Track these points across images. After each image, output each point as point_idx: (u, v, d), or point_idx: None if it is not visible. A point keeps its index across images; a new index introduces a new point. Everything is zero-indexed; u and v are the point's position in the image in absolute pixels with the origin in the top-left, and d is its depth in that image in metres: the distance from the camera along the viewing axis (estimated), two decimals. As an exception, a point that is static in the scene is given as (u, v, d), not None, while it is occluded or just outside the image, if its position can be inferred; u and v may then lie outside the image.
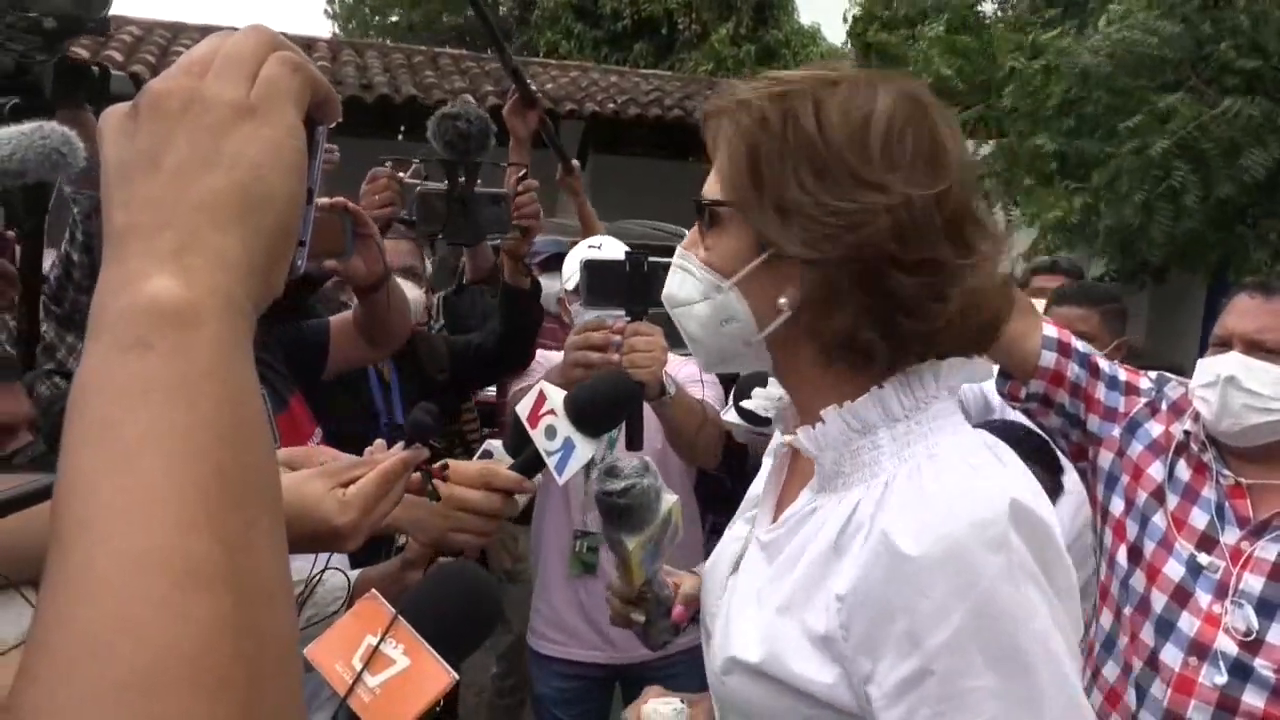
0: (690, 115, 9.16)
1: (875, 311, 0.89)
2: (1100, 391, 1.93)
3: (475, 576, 1.07)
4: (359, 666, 0.90)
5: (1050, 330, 1.85)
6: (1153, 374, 2.04)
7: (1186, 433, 1.89)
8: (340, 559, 1.29)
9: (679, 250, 1.03)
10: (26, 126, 1.08)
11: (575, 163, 3.06)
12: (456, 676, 0.92)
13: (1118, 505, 1.94)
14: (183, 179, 0.48)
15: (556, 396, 1.24)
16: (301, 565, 1.21)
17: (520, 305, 2.53)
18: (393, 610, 0.94)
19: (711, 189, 0.98)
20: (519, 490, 1.25)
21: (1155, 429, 1.92)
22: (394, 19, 18.06)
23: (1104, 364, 1.96)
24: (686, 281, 1.00)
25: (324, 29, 21.30)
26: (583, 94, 9.45)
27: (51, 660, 0.38)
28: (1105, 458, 1.95)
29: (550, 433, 1.22)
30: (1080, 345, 1.92)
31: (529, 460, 1.24)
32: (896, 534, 0.84)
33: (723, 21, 14.29)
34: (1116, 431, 1.94)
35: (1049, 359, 1.85)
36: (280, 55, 0.53)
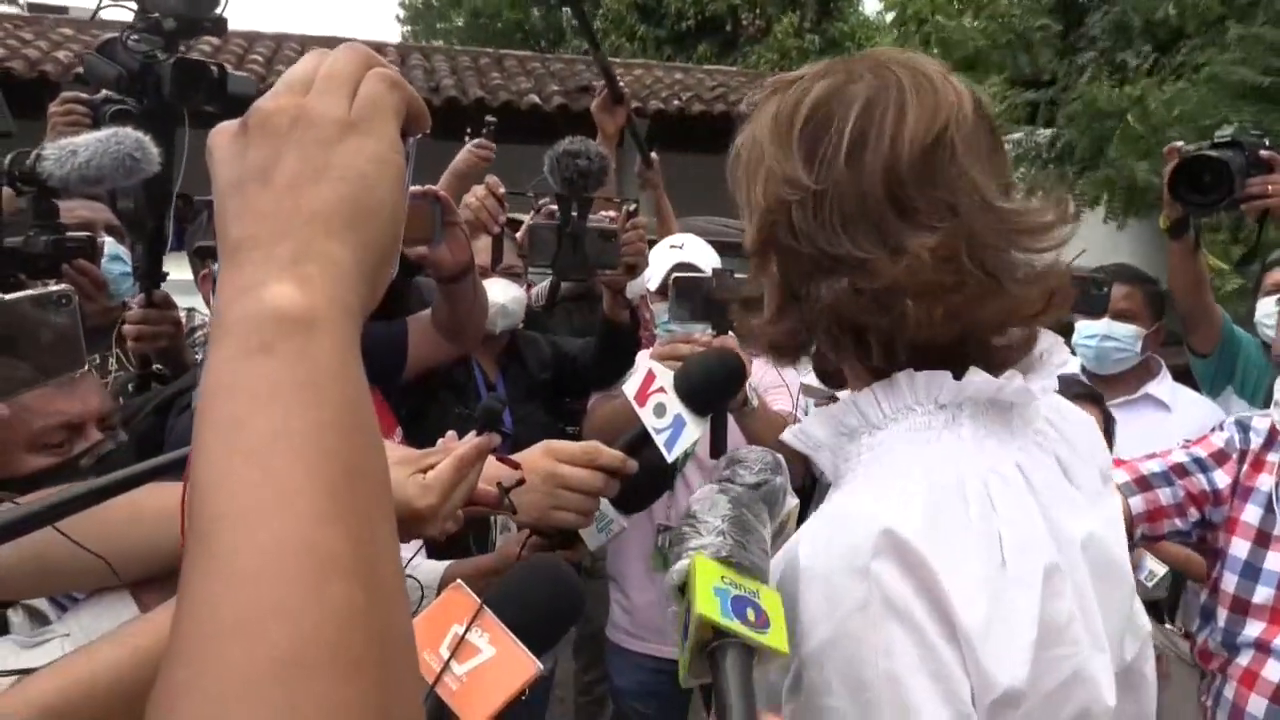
0: (755, 110, 9.11)
1: (799, 310, 0.91)
2: (1200, 484, 1.86)
3: (559, 570, 1.08)
4: (446, 655, 0.92)
5: (1119, 474, 1.79)
6: (1227, 423, 1.96)
7: None
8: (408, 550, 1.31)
9: None
10: (102, 133, 1.11)
11: (654, 157, 3.13)
12: (541, 667, 0.93)
13: (1230, 579, 1.86)
14: (295, 192, 0.50)
15: (666, 374, 1.24)
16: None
17: (617, 337, 2.53)
18: (478, 600, 0.95)
19: None
20: (622, 469, 1.25)
21: (1265, 481, 1.83)
22: (459, 22, 18.24)
23: (1182, 457, 1.89)
24: None
25: (395, 33, 21.62)
26: (647, 91, 9.47)
27: (202, 641, 0.39)
28: (1223, 539, 1.88)
29: (660, 410, 1.22)
30: (1152, 465, 1.87)
31: (633, 439, 1.25)
32: (800, 542, 0.85)
33: (786, 15, 14.18)
34: (1226, 509, 1.86)
35: (1137, 503, 1.80)
36: (377, 72, 0.55)
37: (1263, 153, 2.46)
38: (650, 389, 1.24)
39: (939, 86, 0.88)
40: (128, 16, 1.91)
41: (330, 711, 0.38)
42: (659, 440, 1.22)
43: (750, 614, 0.77)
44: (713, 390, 1.26)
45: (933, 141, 0.85)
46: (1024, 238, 0.88)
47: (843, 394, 0.97)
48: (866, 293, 0.85)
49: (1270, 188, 2.41)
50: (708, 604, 0.76)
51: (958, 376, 0.87)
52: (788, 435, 0.97)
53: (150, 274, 2.15)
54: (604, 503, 1.28)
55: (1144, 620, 1.01)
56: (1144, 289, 2.83)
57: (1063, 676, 0.83)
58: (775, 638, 0.77)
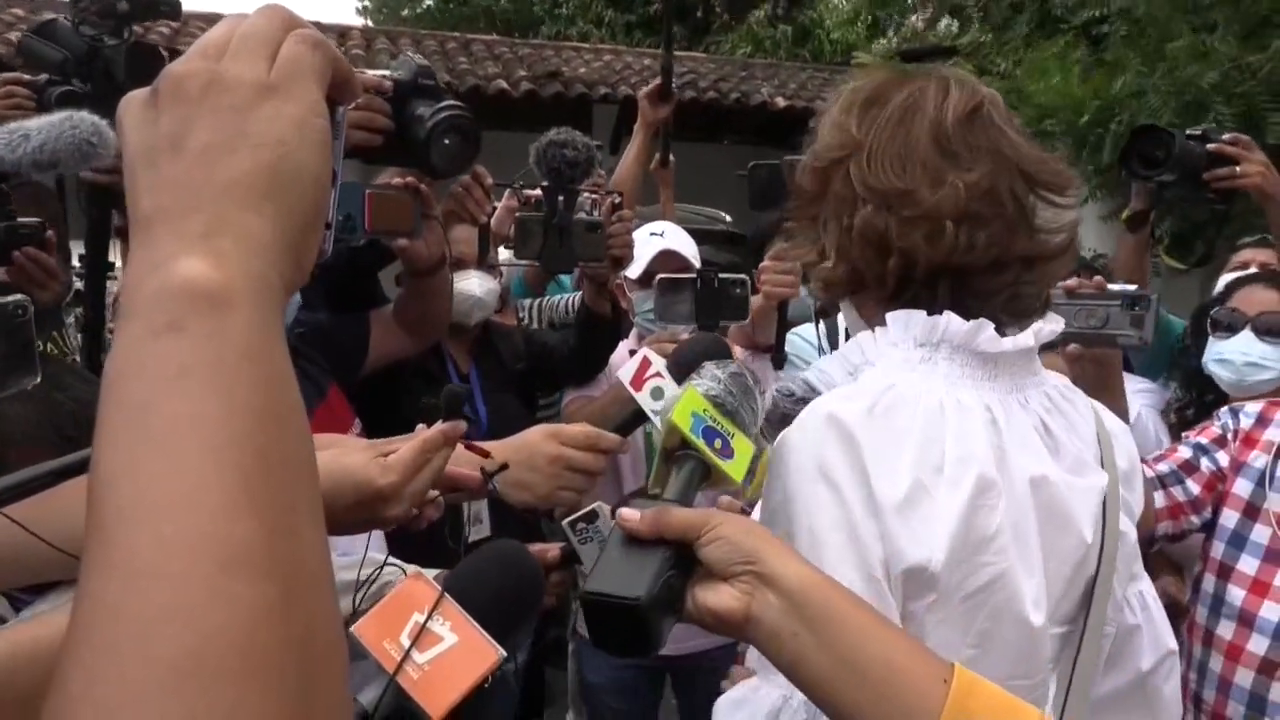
0: (724, 98, 9.10)
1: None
2: (1210, 466, 1.96)
3: (520, 555, 1.08)
4: (407, 644, 0.91)
5: (1145, 470, 1.86)
6: (1222, 411, 2.07)
7: None
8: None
9: None
10: (56, 116, 1.08)
11: (671, 158, 3.27)
12: (504, 653, 0.92)
13: (1218, 546, 1.95)
14: (208, 161, 0.47)
15: (660, 360, 1.34)
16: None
17: (597, 330, 2.52)
18: (439, 588, 0.95)
19: None
20: (621, 451, 1.36)
21: (1258, 458, 1.93)
22: (427, 2, 18.04)
23: (1187, 452, 2.00)
24: None
25: (354, 21, 21.31)
26: (617, 77, 9.42)
27: (97, 646, 0.37)
28: (1220, 511, 1.97)
29: (657, 393, 1.31)
30: (1162, 466, 1.96)
31: (629, 420, 1.34)
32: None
33: (761, 1, 14.17)
34: (1227, 484, 1.97)
35: (1159, 499, 1.88)
36: (299, 33, 0.52)
37: (1210, 145, 2.52)
38: (646, 374, 1.31)
39: (978, 84, 1.09)
40: None
41: None
42: (657, 422, 1.29)
43: (717, 443, 0.91)
44: None
45: (973, 109, 1.04)
46: (1048, 188, 1.04)
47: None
48: (903, 217, 1.01)
49: (1238, 168, 2.46)
50: (683, 419, 0.91)
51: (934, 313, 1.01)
52: (811, 375, 1.10)
53: (95, 264, 2.10)
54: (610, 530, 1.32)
55: (1170, 639, 1.11)
56: (1093, 279, 2.90)
57: (983, 580, 0.93)
58: (733, 468, 0.92)
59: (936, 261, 1.00)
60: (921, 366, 1.00)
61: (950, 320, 0.99)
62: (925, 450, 0.94)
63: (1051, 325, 1.06)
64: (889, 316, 1.03)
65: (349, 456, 1.05)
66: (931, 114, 1.04)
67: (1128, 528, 1.07)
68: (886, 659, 0.76)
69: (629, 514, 0.83)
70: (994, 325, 1.00)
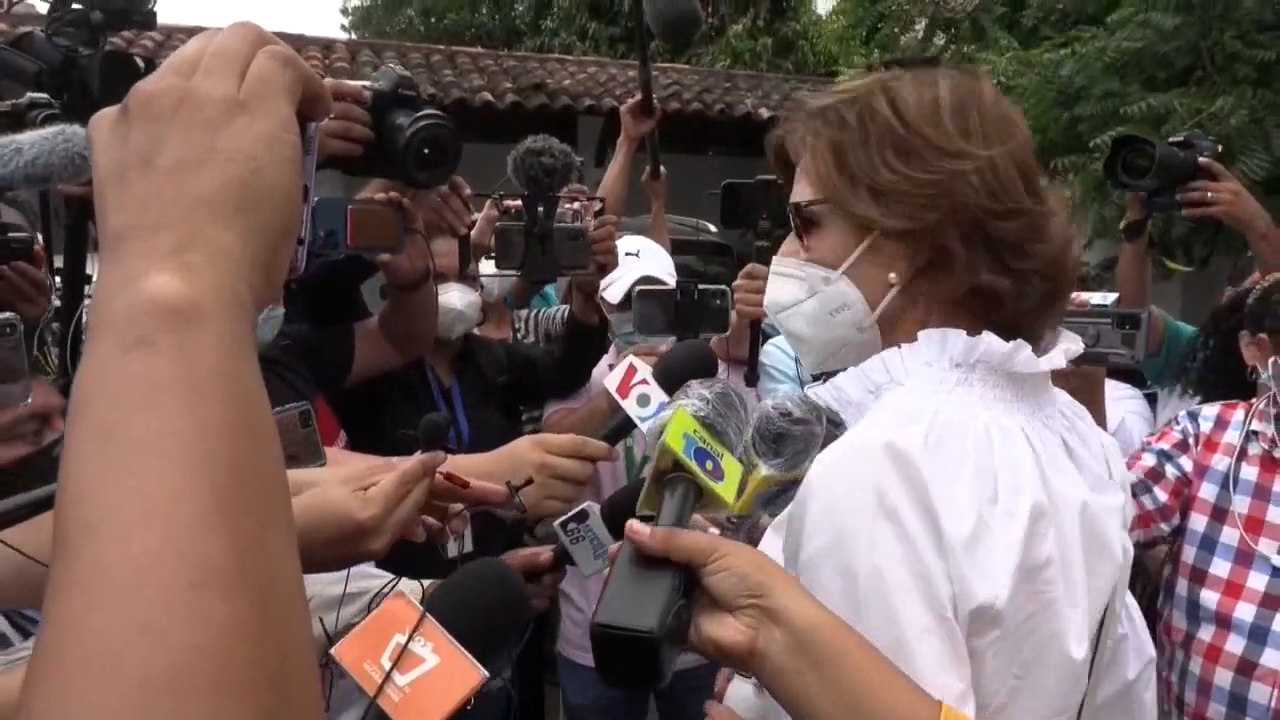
0: (709, 109, 9.13)
1: (987, 259, 0.97)
2: (1175, 472, 1.99)
3: (504, 573, 1.07)
4: (388, 665, 0.90)
5: None
6: (1180, 415, 2.10)
7: (1253, 432, 1.92)
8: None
9: (775, 260, 1.11)
10: (49, 130, 1.08)
11: (663, 170, 3.23)
12: (487, 674, 0.91)
13: (1189, 551, 1.97)
14: (179, 177, 0.47)
15: (646, 367, 1.34)
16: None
17: (584, 340, 2.51)
18: (421, 608, 0.94)
19: (803, 194, 1.05)
20: (607, 458, 1.36)
21: (1221, 461, 1.96)
22: (410, 16, 18.02)
23: (1151, 460, 2.01)
24: (788, 284, 1.08)
25: (340, 36, 21.29)
26: (601, 89, 9.44)
27: (62, 666, 0.36)
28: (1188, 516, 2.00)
29: (644, 400, 1.32)
30: (1130, 475, 2.00)
31: (616, 428, 1.35)
32: (813, 466, 0.94)
33: (741, 14, 14.22)
34: (1195, 489, 1.99)
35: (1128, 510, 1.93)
36: (269, 50, 0.53)
37: (1201, 159, 2.53)
38: (632, 381, 1.32)
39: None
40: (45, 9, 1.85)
41: None
42: (644, 428, 1.31)
43: (709, 465, 0.90)
44: (692, 376, 1.35)
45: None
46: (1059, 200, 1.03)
47: (845, 371, 1.05)
48: (1047, 239, 0.98)
49: (1210, 194, 2.47)
50: (675, 440, 0.89)
51: (973, 333, 0.96)
52: (824, 391, 1.04)
53: (73, 276, 2.08)
54: (601, 529, 1.32)
55: (1150, 647, 1.10)
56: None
57: (1032, 610, 0.89)
58: (724, 490, 0.91)
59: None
60: (958, 389, 0.95)
61: (990, 340, 0.95)
62: (980, 481, 0.89)
63: (1075, 345, 1.04)
64: (923, 334, 0.98)
65: (328, 492, 1.04)
66: (1015, 118, 1.03)
67: (1127, 542, 1.06)
68: (892, 706, 0.76)
69: (640, 527, 0.82)
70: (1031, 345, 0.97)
